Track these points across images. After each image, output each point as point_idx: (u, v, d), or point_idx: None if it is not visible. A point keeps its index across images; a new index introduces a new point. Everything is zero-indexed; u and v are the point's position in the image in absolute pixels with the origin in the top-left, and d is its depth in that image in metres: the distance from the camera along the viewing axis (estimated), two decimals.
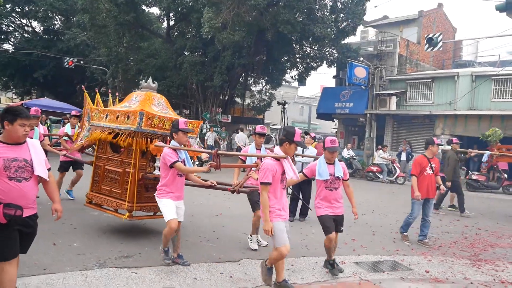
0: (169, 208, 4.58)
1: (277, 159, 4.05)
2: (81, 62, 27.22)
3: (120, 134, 5.58)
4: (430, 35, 15.90)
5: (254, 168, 4.96)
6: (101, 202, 5.98)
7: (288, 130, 4.07)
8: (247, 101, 27.61)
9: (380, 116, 20.33)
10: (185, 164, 4.72)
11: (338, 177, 4.85)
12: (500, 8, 11.82)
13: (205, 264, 5.00)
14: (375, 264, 5.59)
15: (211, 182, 4.89)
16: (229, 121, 24.28)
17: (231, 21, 15.34)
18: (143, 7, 21.95)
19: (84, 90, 7.62)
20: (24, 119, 3.22)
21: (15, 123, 3.21)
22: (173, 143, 4.75)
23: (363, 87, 20.06)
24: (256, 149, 5.96)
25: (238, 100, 27.46)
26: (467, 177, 15.91)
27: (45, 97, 24.33)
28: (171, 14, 22.82)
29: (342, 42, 19.76)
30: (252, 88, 26.85)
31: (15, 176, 3.20)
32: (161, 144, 5.05)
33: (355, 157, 18.43)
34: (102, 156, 6.13)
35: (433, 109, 18.46)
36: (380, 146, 17.92)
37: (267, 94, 25.90)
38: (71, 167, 7.94)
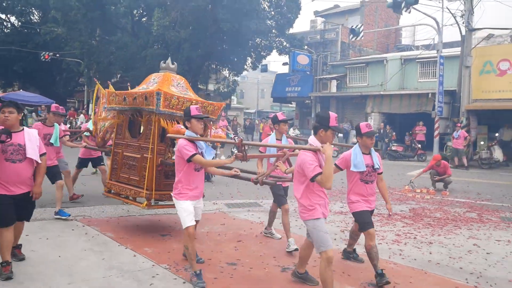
0: (188, 213, 4.08)
1: (314, 151, 3.50)
2: (57, 55, 29.19)
3: (141, 115, 5.51)
4: (353, 26, 18.29)
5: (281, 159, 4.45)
6: (120, 191, 5.78)
7: (321, 115, 3.60)
8: (213, 87, 29.86)
9: (324, 98, 22.83)
10: (203, 156, 4.16)
11: (375, 168, 4.38)
12: (389, 6, 14.27)
13: None
14: (238, 204, 8.00)
15: (235, 171, 4.31)
16: None
17: (178, 20, 17.64)
18: (107, 6, 23.99)
19: (97, 81, 7.53)
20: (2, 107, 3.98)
21: None
22: (188, 133, 4.22)
23: (307, 72, 22.48)
24: (277, 139, 5.37)
25: (201, 87, 29.71)
26: (388, 148, 18.58)
27: (21, 90, 26.41)
28: (134, 11, 24.99)
29: (288, 32, 22.09)
30: (216, 75, 29.11)
31: (10, 158, 3.93)
32: (174, 135, 4.72)
33: (300, 136, 21.01)
34: (121, 142, 5.93)
35: (367, 90, 20.99)
36: None
37: (231, 81, 28.17)
38: (90, 163, 8.00)
